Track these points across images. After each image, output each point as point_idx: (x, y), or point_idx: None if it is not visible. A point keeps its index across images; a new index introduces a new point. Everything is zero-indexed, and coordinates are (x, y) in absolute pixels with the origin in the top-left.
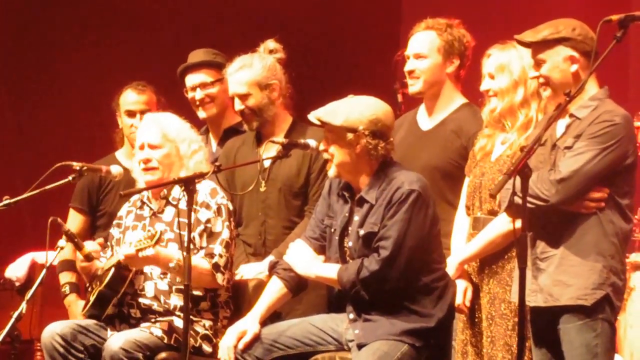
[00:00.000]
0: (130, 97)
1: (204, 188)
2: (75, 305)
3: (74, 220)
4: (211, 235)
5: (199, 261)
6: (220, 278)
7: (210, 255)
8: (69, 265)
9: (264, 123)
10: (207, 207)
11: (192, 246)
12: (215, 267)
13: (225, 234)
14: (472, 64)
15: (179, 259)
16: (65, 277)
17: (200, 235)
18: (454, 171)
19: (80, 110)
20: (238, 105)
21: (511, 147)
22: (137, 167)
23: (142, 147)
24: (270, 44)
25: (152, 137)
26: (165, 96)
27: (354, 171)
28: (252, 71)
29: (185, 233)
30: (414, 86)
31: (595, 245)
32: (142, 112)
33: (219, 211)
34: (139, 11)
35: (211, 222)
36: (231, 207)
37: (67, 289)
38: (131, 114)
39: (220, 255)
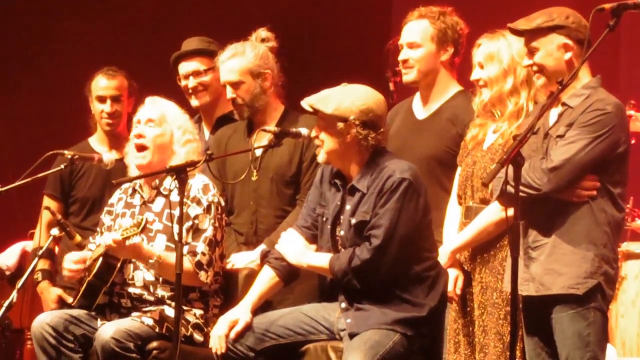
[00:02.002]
0: (100, 83)
1: (197, 183)
2: (48, 292)
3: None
4: (197, 231)
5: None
6: (203, 276)
7: (193, 253)
8: (43, 252)
9: (255, 112)
10: (198, 203)
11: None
12: (198, 265)
13: (210, 232)
14: (467, 52)
15: (160, 255)
16: (39, 264)
17: (187, 231)
18: (451, 159)
19: (67, 97)
20: (230, 93)
21: (502, 136)
22: (131, 151)
23: (138, 122)
24: (262, 32)
25: (151, 112)
26: (156, 85)
27: (344, 159)
28: (245, 59)
29: (175, 225)
30: (408, 75)
31: (587, 234)
32: (113, 98)
33: (208, 209)
34: None
35: (199, 219)
36: (223, 204)
37: (39, 275)
38: (102, 99)
39: (203, 254)
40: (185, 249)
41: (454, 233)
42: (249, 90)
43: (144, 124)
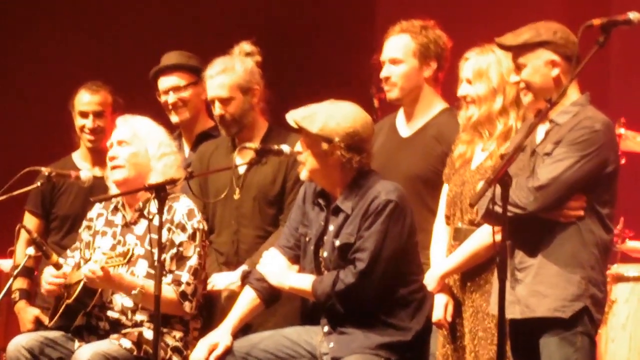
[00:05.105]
0: (83, 98)
1: (182, 208)
2: (25, 312)
3: (29, 224)
4: (181, 259)
5: (165, 289)
6: (187, 306)
7: (177, 282)
8: (21, 271)
9: (242, 129)
10: (183, 229)
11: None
12: (182, 295)
13: (195, 261)
14: (450, 66)
15: (143, 286)
16: (17, 283)
17: (172, 259)
18: (435, 178)
19: (50, 112)
20: (218, 109)
21: (491, 157)
22: (108, 171)
23: (111, 146)
24: (246, 46)
25: (121, 134)
26: (137, 99)
27: (327, 179)
28: (235, 75)
29: (155, 251)
30: (391, 93)
31: (573, 255)
32: (95, 113)
33: (193, 236)
34: (108, 8)
35: (183, 246)
36: (206, 228)
37: (17, 295)
38: (84, 114)
39: (188, 284)
40: (169, 277)
41: (442, 255)
42: (239, 107)
43: (117, 146)
